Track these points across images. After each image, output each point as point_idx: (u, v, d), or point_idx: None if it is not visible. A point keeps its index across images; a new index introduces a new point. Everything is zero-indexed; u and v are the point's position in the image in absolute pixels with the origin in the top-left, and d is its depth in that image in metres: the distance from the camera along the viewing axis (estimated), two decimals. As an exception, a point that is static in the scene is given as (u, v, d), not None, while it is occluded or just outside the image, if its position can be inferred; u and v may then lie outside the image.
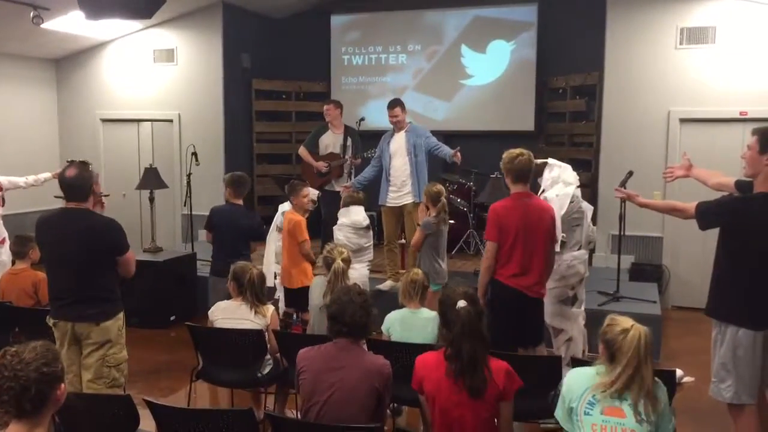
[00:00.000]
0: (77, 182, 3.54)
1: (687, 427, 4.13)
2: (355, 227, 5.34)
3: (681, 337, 6.02)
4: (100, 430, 2.99)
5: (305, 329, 4.90)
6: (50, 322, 3.66)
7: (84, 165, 3.63)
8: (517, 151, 4.07)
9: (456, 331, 2.71)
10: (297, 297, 5.20)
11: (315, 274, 4.96)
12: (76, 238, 3.51)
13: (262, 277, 4.06)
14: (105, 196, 3.98)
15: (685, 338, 5.95)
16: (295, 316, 5.47)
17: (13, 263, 5.24)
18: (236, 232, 5.19)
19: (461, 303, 2.74)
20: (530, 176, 4.10)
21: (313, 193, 5.69)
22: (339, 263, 4.11)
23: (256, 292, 4.00)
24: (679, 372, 4.83)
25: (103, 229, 3.56)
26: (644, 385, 2.42)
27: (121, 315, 3.68)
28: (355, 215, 5.37)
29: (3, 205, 6.02)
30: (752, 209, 3.34)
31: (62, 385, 2.07)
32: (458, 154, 5.76)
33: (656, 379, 2.50)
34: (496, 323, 3.33)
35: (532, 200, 4.09)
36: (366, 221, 5.40)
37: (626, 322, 2.51)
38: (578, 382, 2.54)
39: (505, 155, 4.09)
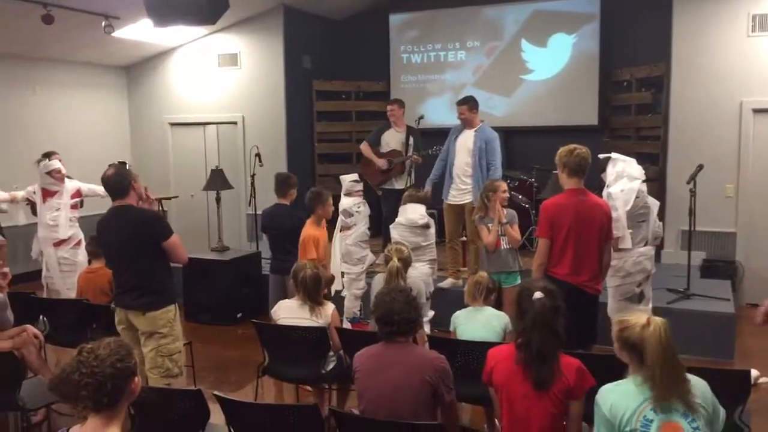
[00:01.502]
0: (112, 180, 3.80)
1: (764, 429, 3.96)
2: (410, 226, 5.28)
3: (757, 336, 5.76)
4: (173, 422, 3.11)
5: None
6: (112, 307, 3.95)
7: (121, 165, 3.92)
8: (574, 145, 4.01)
9: (528, 321, 2.71)
10: None
11: (368, 280, 4.80)
12: (120, 232, 3.75)
13: (315, 278, 4.04)
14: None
15: (762, 337, 5.69)
16: (359, 313, 5.50)
17: (89, 263, 5.50)
18: (281, 231, 5.29)
19: (538, 294, 2.74)
20: (586, 172, 4.01)
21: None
22: (394, 262, 4.14)
23: (309, 292, 4.03)
24: (754, 372, 4.64)
25: (141, 220, 3.76)
26: (681, 381, 2.27)
27: (171, 307, 3.84)
28: (411, 213, 5.31)
29: (81, 208, 6.30)
30: None
31: (136, 379, 2.14)
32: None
33: (689, 375, 2.34)
34: None
35: (586, 197, 4.00)
36: (423, 220, 5.31)
37: (639, 317, 2.36)
38: (621, 403, 2.30)
39: (561, 149, 4.04)
